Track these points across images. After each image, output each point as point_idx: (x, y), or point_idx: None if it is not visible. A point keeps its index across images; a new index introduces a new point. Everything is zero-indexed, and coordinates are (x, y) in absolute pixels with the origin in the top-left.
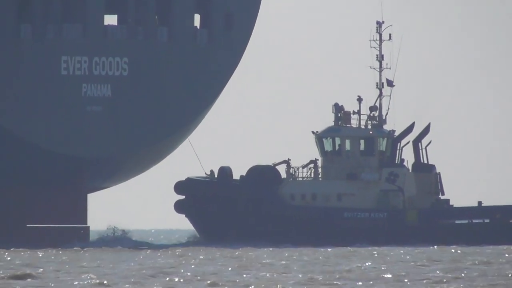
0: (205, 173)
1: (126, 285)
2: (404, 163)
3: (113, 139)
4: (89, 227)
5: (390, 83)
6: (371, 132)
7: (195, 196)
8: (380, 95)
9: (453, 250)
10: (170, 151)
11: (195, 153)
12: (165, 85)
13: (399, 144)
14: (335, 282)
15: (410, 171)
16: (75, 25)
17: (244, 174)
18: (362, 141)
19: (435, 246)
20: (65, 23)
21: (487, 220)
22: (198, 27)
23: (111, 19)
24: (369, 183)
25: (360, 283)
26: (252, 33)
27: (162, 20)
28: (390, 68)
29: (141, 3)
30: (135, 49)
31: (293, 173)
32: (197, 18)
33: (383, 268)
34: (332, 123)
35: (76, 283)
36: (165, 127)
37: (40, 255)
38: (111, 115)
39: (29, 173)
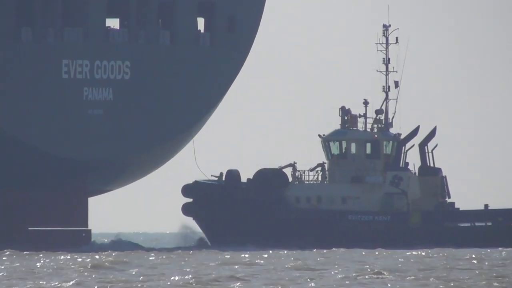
0: (212, 175)
1: None
2: (408, 167)
3: (114, 143)
4: (90, 230)
5: (396, 84)
6: (376, 136)
7: (203, 199)
8: (386, 98)
9: None
10: (172, 154)
11: (194, 156)
12: (167, 88)
13: (403, 147)
14: None
15: (416, 174)
16: (76, 29)
17: (251, 177)
18: (368, 145)
19: None
20: (66, 26)
21: (489, 223)
22: (202, 30)
23: (113, 23)
24: (373, 186)
25: None
26: (258, 36)
27: (165, 23)
28: (396, 72)
29: (143, 6)
30: (137, 53)
31: (299, 176)
32: (201, 22)
33: None
34: (339, 127)
35: None
36: (167, 131)
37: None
38: (113, 119)
39: (31, 176)
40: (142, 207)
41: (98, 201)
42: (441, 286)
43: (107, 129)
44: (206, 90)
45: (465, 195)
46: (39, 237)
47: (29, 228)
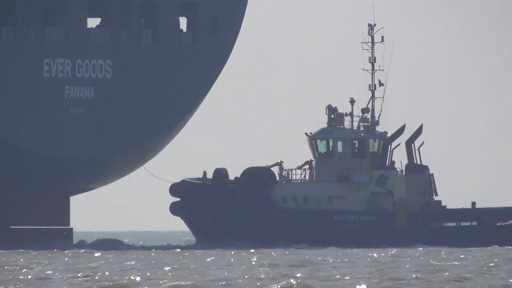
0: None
1: None
2: (394, 166)
3: (96, 141)
4: (72, 228)
5: (380, 82)
6: (362, 134)
7: (190, 198)
8: (373, 97)
9: None
10: (155, 153)
11: (154, 175)
12: (149, 87)
13: (390, 146)
14: None
15: (403, 172)
16: (57, 28)
17: (239, 175)
18: (354, 143)
19: None
20: (47, 25)
21: (475, 223)
22: (185, 29)
23: (95, 22)
24: (359, 186)
25: None
26: (241, 35)
27: (147, 22)
28: (382, 70)
29: (125, 6)
30: (118, 52)
31: (286, 175)
32: (183, 21)
33: None
34: (326, 125)
35: None
36: (149, 130)
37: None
38: (95, 117)
39: (12, 175)
40: (130, 206)
41: (81, 199)
42: None
43: (89, 128)
44: (188, 89)
45: (452, 192)
46: (21, 236)
47: (11, 227)
